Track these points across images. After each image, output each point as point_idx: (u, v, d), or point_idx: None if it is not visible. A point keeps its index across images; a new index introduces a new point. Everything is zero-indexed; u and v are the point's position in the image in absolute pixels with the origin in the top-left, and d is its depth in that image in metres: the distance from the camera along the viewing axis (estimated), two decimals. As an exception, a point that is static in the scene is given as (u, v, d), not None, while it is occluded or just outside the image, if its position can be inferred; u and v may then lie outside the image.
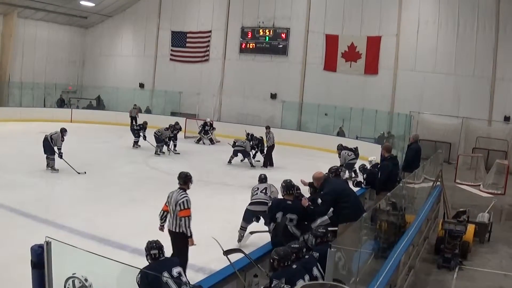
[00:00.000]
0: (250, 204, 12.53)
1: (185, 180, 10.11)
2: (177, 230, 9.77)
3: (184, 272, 7.62)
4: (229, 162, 24.95)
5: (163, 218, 10.21)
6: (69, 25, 45.39)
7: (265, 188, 12.81)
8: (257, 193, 12.74)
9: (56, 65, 44.46)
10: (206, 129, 32.29)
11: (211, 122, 33.26)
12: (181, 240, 9.78)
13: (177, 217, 9.74)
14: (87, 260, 5.76)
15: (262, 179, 13.62)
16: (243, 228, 12.54)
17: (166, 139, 26.58)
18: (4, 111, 36.59)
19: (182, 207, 9.74)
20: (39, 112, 37.25)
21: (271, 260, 7.21)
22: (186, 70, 42.08)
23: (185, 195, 9.90)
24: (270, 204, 9.72)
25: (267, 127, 26.68)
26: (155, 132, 26.48)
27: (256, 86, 38.79)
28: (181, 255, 9.36)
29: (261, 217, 10.56)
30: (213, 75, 40.89)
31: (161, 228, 10.27)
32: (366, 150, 24.31)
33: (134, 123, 33.72)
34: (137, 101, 42.70)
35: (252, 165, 24.60)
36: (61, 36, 45.03)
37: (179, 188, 10.03)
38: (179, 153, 27.06)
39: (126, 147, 27.76)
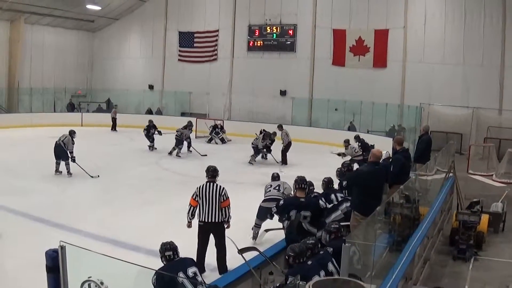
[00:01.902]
0: (264, 201, 12.75)
1: (213, 174, 10.65)
2: (219, 220, 10.40)
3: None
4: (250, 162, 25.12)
5: (193, 214, 10.47)
6: (77, 30, 45.57)
7: (278, 185, 13.09)
8: (270, 190, 13.04)
9: (64, 70, 44.63)
10: (217, 131, 32.28)
11: (221, 125, 33.29)
12: (222, 228, 10.43)
13: (219, 207, 10.35)
14: (102, 263, 5.77)
15: (275, 177, 13.87)
16: (257, 226, 12.69)
17: (188, 139, 26.61)
18: (15, 117, 36.76)
19: (225, 198, 10.45)
20: (50, 117, 37.36)
21: (287, 257, 7.23)
22: (194, 70, 42.13)
23: (223, 186, 10.54)
24: (283, 202, 9.72)
25: (280, 127, 26.57)
26: (176, 134, 26.48)
27: (265, 83, 38.74)
28: (223, 241, 10.14)
29: (274, 213, 10.58)
30: (222, 74, 40.94)
31: (190, 224, 10.57)
32: (378, 143, 24.25)
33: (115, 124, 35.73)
34: (147, 103, 43.05)
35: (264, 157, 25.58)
36: (68, 41, 45.23)
37: (209, 181, 10.59)
38: (194, 153, 27.05)
39: (137, 149, 27.77)
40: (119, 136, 33.85)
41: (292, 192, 10.19)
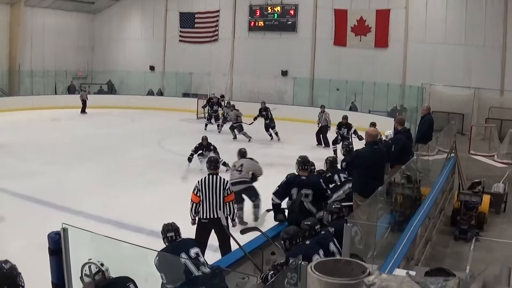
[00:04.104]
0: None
1: (216, 165, 10.19)
2: (223, 216, 9.79)
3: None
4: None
5: (197, 211, 9.84)
6: (77, 11, 45.26)
7: (241, 165, 13.02)
8: (232, 173, 12.96)
9: (65, 52, 44.33)
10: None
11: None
12: (222, 224, 9.75)
13: (223, 202, 9.77)
14: (105, 245, 5.79)
15: (243, 153, 13.71)
16: (240, 209, 12.50)
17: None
18: (16, 100, 36.69)
19: (229, 192, 9.86)
20: (51, 100, 37.26)
21: (282, 242, 7.23)
22: (195, 50, 41.98)
23: (227, 180, 10.02)
24: (285, 180, 9.67)
25: (322, 106, 26.37)
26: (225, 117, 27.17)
27: (266, 63, 38.62)
28: (227, 237, 9.35)
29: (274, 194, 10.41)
30: (223, 54, 40.84)
31: (194, 222, 9.95)
32: (380, 123, 24.23)
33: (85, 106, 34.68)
34: (148, 84, 42.88)
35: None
36: (69, 23, 44.92)
37: (211, 174, 9.96)
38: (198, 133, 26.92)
39: (139, 131, 27.77)
40: (120, 117, 33.78)
41: (296, 171, 10.08)
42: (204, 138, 19.58)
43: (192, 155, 19.04)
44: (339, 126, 22.73)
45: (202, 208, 9.75)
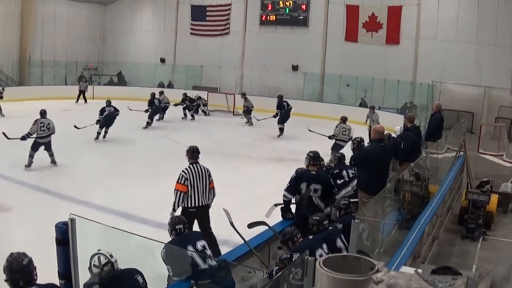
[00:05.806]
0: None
1: (197, 155, 10.27)
2: (210, 203, 10.02)
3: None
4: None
5: (183, 200, 9.78)
6: (88, 2, 45.24)
7: (48, 124, 17.19)
8: (43, 129, 16.96)
9: (76, 43, 44.34)
10: (198, 102, 31.96)
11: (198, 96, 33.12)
12: (208, 211, 10.04)
13: (208, 190, 9.97)
14: (111, 236, 5.79)
15: (42, 114, 17.61)
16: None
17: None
18: (26, 90, 36.74)
19: (211, 179, 10.06)
20: (61, 90, 37.32)
21: (284, 244, 7.23)
22: (206, 43, 41.97)
23: (207, 167, 10.15)
24: (294, 175, 9.64)
25: (371, 107, 25.78)
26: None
27: (277, 58, 38.52)
28: (208, 226, 9.73)
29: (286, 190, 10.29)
30: (234, 48, 40.79)
31: (175, 211, 9.72)
32: (389, 120, 24.20)
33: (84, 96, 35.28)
34: (158, 76, 42.84)
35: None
36: (80, 14, 44.86)
37: (194, 162, 10.10)
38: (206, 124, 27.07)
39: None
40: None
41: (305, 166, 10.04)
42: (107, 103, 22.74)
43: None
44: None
45: (190, 197, 9.79)
